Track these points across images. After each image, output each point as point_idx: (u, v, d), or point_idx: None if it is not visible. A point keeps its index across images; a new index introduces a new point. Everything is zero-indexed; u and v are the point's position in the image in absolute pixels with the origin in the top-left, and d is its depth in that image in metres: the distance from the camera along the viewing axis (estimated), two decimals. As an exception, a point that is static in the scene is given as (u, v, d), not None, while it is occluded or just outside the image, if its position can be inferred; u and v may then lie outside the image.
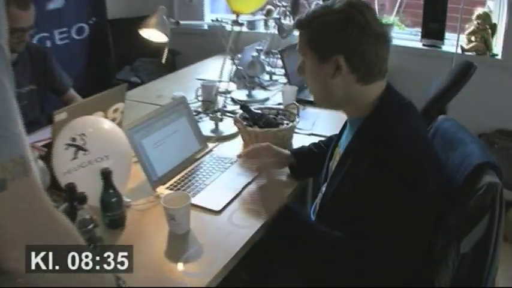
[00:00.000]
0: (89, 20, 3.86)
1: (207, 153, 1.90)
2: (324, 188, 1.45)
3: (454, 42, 3.25)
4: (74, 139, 1.45)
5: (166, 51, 1.92)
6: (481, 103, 3.13)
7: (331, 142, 1.58)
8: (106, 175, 1.38)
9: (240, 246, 1.36)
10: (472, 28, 3.27)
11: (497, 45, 3.29)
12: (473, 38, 3.28)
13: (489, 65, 3.01)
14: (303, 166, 1.71)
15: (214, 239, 1.40)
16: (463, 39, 3.32)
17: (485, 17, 3.21)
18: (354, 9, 1.21)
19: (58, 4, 3.58)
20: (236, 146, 2.01)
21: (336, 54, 1.22)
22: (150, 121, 1.69)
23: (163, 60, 1.97)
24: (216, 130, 2.13)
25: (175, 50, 3.97)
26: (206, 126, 2.14)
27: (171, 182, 1.67)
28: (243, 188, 1.65)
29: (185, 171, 1.74)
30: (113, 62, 4.05)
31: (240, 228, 1.44)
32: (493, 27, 3.25)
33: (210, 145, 1.96)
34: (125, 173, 1.54)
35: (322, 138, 1.85)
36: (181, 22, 1.86)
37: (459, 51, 3.25)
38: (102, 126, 1.56)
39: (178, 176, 1.71)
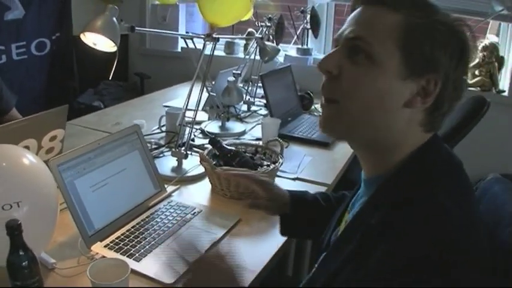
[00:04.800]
0: (51, 35, 3.57)
1: (164, 199, 1.51)
2: (316, 265, 1.02)
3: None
4: (-28, 177, 1.07)
5: (115, 64, 1.51)
6: (484, 145, 2.81)
7: (343, 200, 1.12)
8: (12, 230, 0.98)
9: None
10: (476, 61, 2.95)
11: (505, 81, 3.00)
12: (477, 72, 2.99)
13: (495, 103, 2.64)
14: (298, 220, 1.25)
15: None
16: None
17: (493, 49, 2.92)
18: (462, 25, 0.82)
19: (17, 15, 3.30)
20: (202, 190, 1.65)
21: (435, 73, 0.80)
22: (88, 155, 1.30)
23: (110, 77, 1.56)
24: (178, 169, 1.73)
25: (144, 74, 3.84)
26: (167, 163, 1.77)
27: (113, 237, 1.28)
28: (209, 249, 1.22)
29: (132, 224, 1.36)
30: (76, 83, 3.76)
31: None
32: (500, 60, 2.97)
33: (169, 188, 1.56)
34: (46, 224, 1.16)
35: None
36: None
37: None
38: (19, 161, 1.16)
39: (123, 230, 1.32)
